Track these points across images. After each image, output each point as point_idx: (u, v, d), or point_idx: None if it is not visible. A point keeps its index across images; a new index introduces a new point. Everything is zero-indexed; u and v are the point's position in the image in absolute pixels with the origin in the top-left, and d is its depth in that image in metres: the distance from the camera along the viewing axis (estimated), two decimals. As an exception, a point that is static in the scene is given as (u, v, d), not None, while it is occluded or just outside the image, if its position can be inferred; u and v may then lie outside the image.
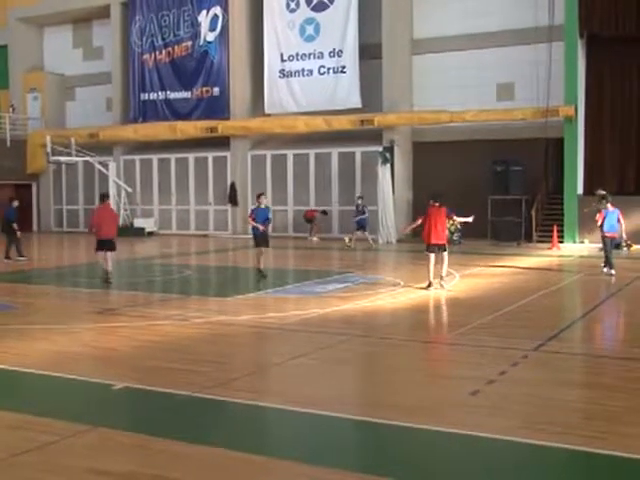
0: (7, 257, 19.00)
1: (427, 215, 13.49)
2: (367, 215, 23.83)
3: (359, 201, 24.22)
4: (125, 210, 30.26)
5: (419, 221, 13.78)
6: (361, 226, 23.67)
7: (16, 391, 7.35)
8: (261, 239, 15.48)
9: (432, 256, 13.57)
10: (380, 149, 25.94)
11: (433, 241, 13.51)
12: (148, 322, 10.62)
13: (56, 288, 14.71)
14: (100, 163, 30.55)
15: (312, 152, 28.05)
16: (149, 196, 31.36)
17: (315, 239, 26.16)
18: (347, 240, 24.19)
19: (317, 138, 27.92)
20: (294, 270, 18.41)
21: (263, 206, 15.56)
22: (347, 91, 27.38)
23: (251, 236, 16.12)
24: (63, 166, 32.25)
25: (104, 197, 15.55)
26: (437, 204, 13.42)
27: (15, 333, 9.80)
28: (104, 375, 7.62)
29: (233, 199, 29.01)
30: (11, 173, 31.82)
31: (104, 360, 8.44)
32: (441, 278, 13.53)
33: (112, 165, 30.68)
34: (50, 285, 15.17)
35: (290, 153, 28.48)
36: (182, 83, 30.43)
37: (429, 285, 13.49)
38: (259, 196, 15.64)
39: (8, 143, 32.00)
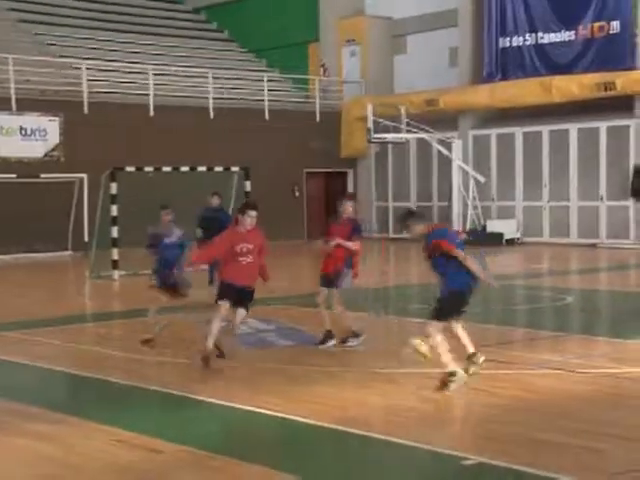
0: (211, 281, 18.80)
1: None
2: None
3: None
4: (475, 208, 30.83)
5: None
6: None
7: (327, 457, 7.75)
8: None
9: None
10: None
11: None
12: (510, 370, 10.67)
13: (380, 318, 15.42)
14: (440, 141, 31.49)
15: None
16: (509, 188, 31.59)
17: None
18: None
19: None
20: None
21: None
22: None
23: None
24: (389, 147, 33.84)
25: (246, 208, 11.36)
26: None
27: (327, 378, 10.49)
28: (448, 442, 7.76)
29: (638, 191, 28.09)
30: (321, 158, 34.12)
31: (447, 421, 8.65)
32: None
33: (457, 143, 31.43)
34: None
35: None
36: (562, 18, 30.19)
37: None
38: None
39: (317, 117, 34.45)
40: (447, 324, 9.58)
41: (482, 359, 9.85)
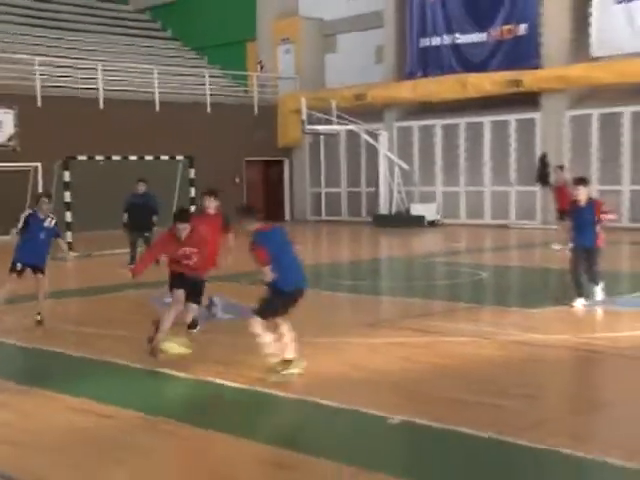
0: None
1: None
2: None
3: None
4: (399, 193, 31.06)
5: None
6: None
7: (266, 419, 7.87)
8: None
9: None
10: None
11: None
12: (430, 338, 10.84)
13: (313, 292, 15.49)
14: (368, 132, 31.64)
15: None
16: (430, 175, 31.87)
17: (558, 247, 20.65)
18: None
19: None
20: (632, 274, 17.64)
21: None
22: None
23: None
24: (321, 137, 33.92)
25: (176, 220, 10.20)
26: None
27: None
28: (375, 404, 7.87)
29: (543, 177, 28.50)
30: (260, 147, 34.10)
31: (374, 385, 8.74)
32: None
33: (383, 134, 31.59)
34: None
35: (627, 111, 27.28)
36: (476, 21, 30.43)
37: None
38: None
39: (256, 110, 34.39)
40: (272, 322, 8.76)
41: (295, 370, 8.77)
